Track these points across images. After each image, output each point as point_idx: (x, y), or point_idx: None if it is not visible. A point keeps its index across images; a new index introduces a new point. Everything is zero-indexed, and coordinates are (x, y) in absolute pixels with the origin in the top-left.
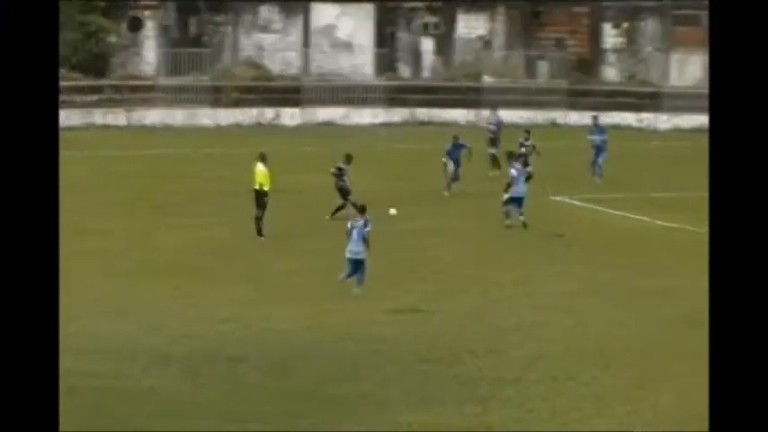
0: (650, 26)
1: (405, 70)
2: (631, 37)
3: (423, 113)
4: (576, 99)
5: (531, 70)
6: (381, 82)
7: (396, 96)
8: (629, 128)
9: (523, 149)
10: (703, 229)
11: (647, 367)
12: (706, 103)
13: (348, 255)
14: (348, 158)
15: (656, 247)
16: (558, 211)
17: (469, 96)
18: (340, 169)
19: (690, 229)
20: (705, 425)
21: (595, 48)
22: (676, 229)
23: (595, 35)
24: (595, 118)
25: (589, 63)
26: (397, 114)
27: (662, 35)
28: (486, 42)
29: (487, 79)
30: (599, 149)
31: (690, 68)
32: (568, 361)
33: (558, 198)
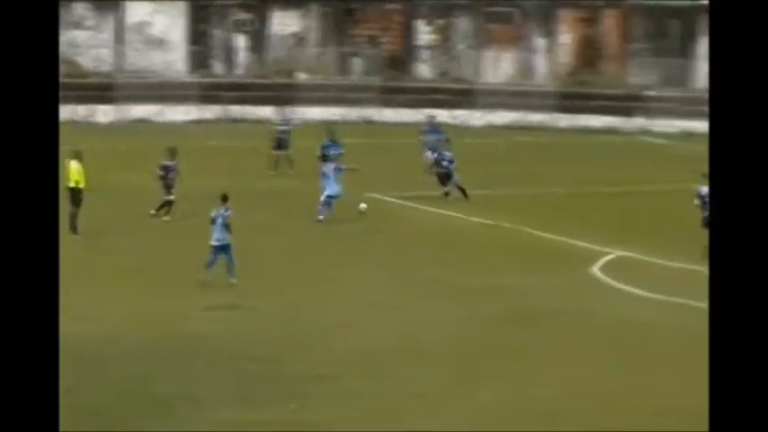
0: (463, 23)
1: (218, 67)
2: (444, 34)
3: (236, 110)
4: (389, 96)
5: (344, 67)
6: (195, 79)
7: (209, 93)
8: (443, 125)
9: (444, 163)
10: (519, 226)
11: (468, 365)
12: (518, 100)
13: (214, 243)
14: (172, 153)
15: (474, 245)
16: (377, 208)
17: (283, 93)
18: (165, 167)
19: (505, 225)
20: (527, 423)
21: (409, 45)
22: (493, 227)
23: (408, 32)
24: (431, 117)
25: (402, 60)
26: (210, 111)
27: (474, 32)
28: (300, 39)
29: (301, 76)
30: (434, 149)
31: (502, 65)
32: (390, 358)
33: (374, 195)
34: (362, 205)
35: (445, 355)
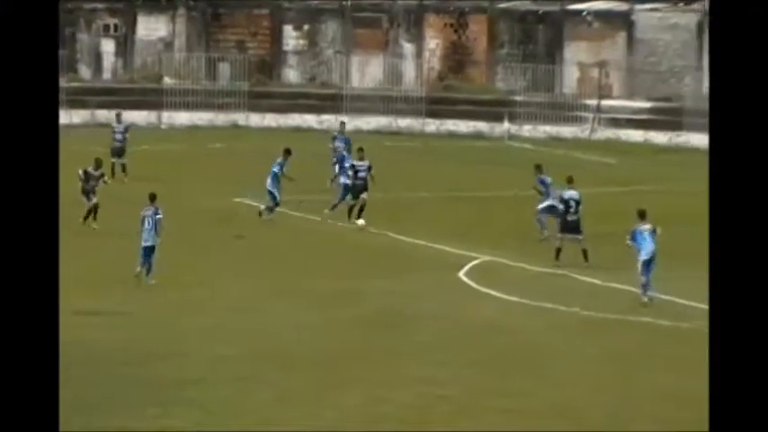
0: (331, 29)
1: (85, 72)
2: (312, 39)
3: (103, 115)
4: (257, 101)
5: (212, 72)
6: (62, 84)
7: (76, 98)
8: (310, 129)
9: (360, 174)
10: (385, 231)
11: (331, 369)
12: (386, 104)
13: (143, 243)
14: (98, 163)
15: (341, 249)
16: (241, 213)
17: (150, 98)
18: (86, 173)
19: (372, 231)
20: (388, 426)
21: (277, 50)
22: (359, 231)
23: (276, 37)
24: (342, 124)
25: (270, 65)
26: (78, 116)
27: (342, 37)
28: (167, 44)
29: (168, 81)
30: (342, 157)
31: (370, 70)
32: (252, 363)
33: (239, 200)
34: (361, 221)
35: (308, 360)
